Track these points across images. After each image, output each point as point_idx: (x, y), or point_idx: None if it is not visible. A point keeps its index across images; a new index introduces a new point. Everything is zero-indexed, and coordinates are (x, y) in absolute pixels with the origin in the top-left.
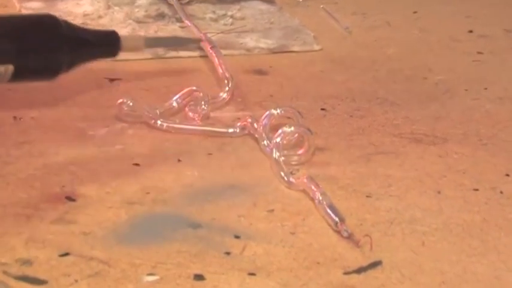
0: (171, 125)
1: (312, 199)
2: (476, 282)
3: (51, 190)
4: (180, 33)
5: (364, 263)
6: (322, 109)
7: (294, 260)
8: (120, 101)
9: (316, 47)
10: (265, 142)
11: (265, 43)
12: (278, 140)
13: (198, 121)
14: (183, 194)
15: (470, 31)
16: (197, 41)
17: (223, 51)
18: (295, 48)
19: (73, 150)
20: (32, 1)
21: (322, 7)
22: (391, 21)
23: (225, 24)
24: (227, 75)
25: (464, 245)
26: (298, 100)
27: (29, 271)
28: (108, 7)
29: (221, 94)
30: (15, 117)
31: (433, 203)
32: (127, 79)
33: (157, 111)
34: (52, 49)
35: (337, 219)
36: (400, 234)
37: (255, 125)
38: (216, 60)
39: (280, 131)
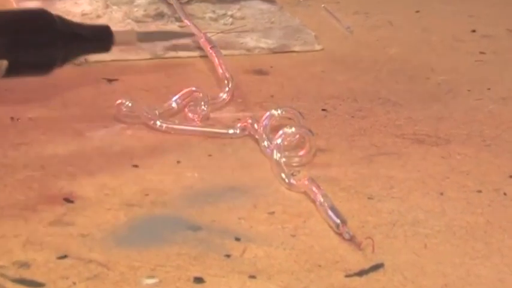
0: (170, 125)
1: (313, 201)
2: (479, 285)
3: (49, 192)
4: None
5: (366, 266)
6: (324, 110)
7: (295, 262)
8: (118, 101)
9: (317, 47)
10: (265, 143)
11: (265, 43)
12: (279, 141)
13: (198, 122)
14: (183, 195)
15: (473, 31)
16: (189, 34)
17: (223, 51)
18: (296, 48)
19: (71, 151)
20: (29, 0)
21: (323, 6)
22: (393, 21)
23: (225, 24)
24: (227, 75)
25: (468, 248)
26: (299, 100)
27: (27, 274)
28: (107, 6)
29: (221, 94)
30: (12, 118)
31: (435, 204)
32: (126, 79)
33: (157, 112)
34: (46, 44)
35: (338, 221)
36: (403, 236)
37: (256, 125)
38: (216, 60)
39: (281, 132)
